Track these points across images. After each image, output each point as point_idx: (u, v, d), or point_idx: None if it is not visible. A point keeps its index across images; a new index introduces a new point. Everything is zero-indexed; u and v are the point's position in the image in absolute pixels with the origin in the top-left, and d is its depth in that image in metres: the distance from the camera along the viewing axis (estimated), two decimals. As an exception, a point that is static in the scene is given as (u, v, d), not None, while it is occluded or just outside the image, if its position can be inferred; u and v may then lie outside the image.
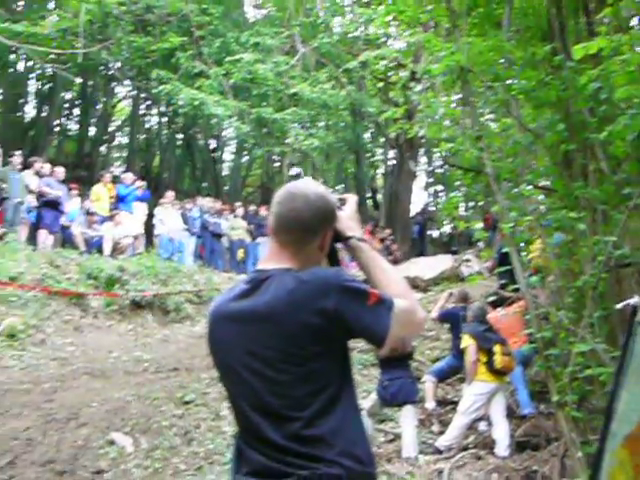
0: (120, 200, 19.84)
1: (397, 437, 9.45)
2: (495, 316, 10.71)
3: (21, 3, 24.54)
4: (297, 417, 2.89)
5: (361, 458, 2.93)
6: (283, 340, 2.91)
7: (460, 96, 11.17)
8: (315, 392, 2.92)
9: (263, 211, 23.09)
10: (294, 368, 2.91)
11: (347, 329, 2.93)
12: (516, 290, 10.37)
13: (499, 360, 9.41)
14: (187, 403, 10.20)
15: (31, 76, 30.73)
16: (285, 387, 2.92)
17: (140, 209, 20.25)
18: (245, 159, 35.08)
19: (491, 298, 11.76)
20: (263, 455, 2.93)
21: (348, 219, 3.24)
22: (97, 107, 32.62)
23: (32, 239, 17.82)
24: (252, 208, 23.95)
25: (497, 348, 9.49)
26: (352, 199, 3.34)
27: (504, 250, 10.96)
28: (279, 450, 2.88)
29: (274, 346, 2.93)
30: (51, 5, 25.09)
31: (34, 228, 18.07)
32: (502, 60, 9.55)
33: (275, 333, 2.92)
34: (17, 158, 18.33)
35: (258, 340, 2.95)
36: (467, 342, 9.67)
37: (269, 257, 3.16)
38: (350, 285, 2.94)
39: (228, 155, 35.24)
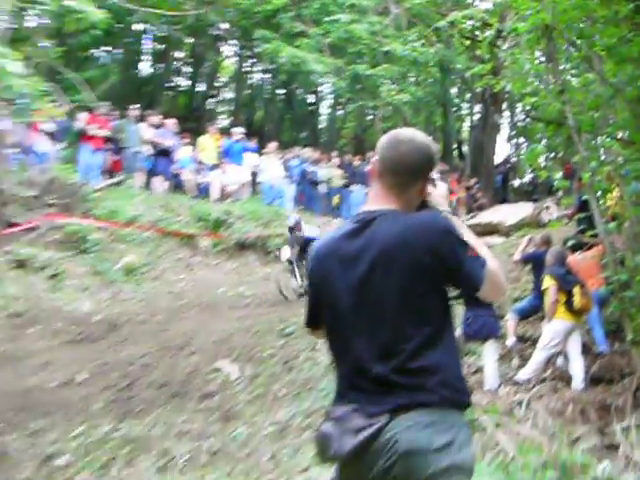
0: (227, 152, 19.95)
1: (480, 370, 9.39)
2: (574, 260, 10.51)
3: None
4: (403, 349, 2.85)
5: (458, 388, 2.92)
6: (393, 276, 2.87)
7: (544, 52, 10.92)
8: (421, 325, 2.88)
9: (357, 160, 23.04)
10: (403, 303, 2.87)
11: (448, 270, 2.90)
12: (594, 236, 10.34)
13: (578, 300, 9.20)
14: (287, 335, 10.26)
15: (146, 37, 30.97)
16: (393, 321, 2.88)
17: (249, 159, 20.29)
18: (340, 112, 34.86)
19: (570, 243, 11.61)
20: (364, 386, 2.91)
21: (439, 196, 3.21)
22: (205, 65, 32.73)
23: (148, 185, 18.11)
24: (347, 158, 23.79)
25: (576, 289, 9.27)
26: (443, 186, 3.34)
27: (584, 198, 11.00)
28: (382, 382, 2.86)
29: (384, 282, 2.89)
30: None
31: (149, 175, 18.34)
32: (585, 18, 9.30)
33: (385, 270, 2.89)
34: (133, 112, 18.71)
35: (368, 277, 2.91)
36: (548, 283, 9.50)
37: (374, 199, 3.10)
38: (456, 232, 2.94)
39: (325, 109, 35.11)
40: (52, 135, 17.50)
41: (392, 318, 2.88)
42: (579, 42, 9.29)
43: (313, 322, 3.23)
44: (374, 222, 2.97)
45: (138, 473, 5.46)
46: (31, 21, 20.51)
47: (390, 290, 2.88)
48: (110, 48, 29.70)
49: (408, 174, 3.05)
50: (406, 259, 2.86)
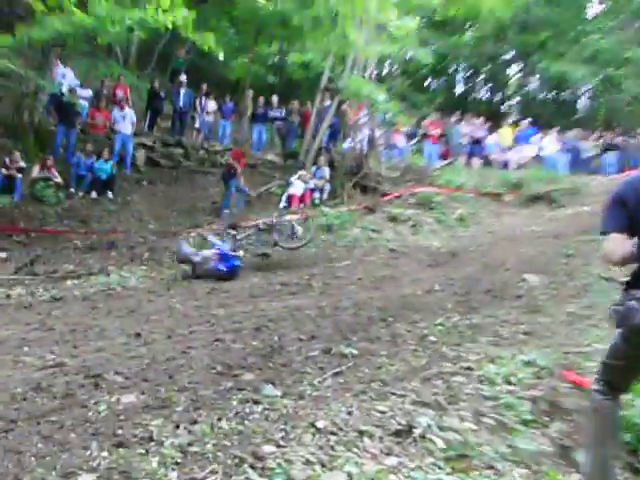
0: (519, 137, 19.32)
1: None
2: None
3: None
4: None
5: None
6: None
7: None
8: None
9: (609, 135, 20.92)
10: None
11: None
12: None
13: None
14: (568, 256, 9.62)
15: (459, 69, 30.49)
16: None
17: (534, 140, 19.38)
18: (594, 103, 31.81)
19: None
20: None
21: None
22: (498, 82, 31.26)
23: (468, 163, 18.17)
24: (602, 133, 21.83)
25: None
26: None
27: None
28: None
29: None
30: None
31: (469, 156, 18.34)
32: None
33: None
34: (455, 117, 19.31)
35: None
36: None
37: None
38: None
39: (583, 101, 32.10)
40: (407, 135, 18.03)
41: None
42: None
43: (619, 227, 2.87)
44: None
45: (478, 346, 5.40)
46: (387, 67, 21.34)
47: None
48: (436, 79, 29.87)
49: None
50: None
